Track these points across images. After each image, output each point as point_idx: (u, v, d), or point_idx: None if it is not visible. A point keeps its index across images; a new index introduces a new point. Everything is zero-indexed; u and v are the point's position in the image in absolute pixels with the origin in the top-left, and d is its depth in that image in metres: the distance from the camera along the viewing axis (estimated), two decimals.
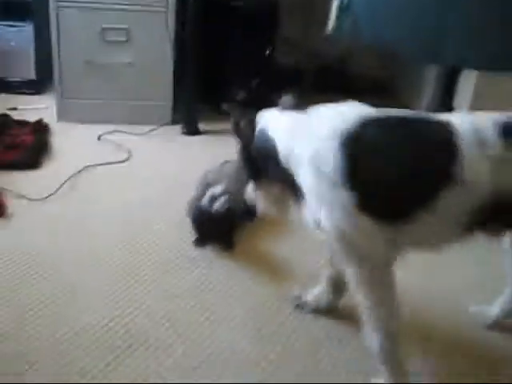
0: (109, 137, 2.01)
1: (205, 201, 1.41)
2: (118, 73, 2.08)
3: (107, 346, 1.10)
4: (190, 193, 1.62)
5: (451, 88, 1.80)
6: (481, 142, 0.93)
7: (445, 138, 0.95)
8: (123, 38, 2.03)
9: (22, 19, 2.22)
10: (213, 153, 1.97)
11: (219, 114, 2.32)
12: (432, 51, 1.53)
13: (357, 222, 0.94)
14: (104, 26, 2.00)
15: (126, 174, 1.80)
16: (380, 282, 0.98)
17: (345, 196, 0.93)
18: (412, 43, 1.56)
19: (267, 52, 2.31)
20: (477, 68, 1.73)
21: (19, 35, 2.23)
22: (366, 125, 0.98)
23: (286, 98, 1.10)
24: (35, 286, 1.25)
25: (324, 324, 1.22)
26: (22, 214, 1.52)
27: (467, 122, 0.97)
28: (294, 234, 1.46)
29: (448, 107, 1.82)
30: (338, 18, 1.62)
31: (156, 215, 1.57)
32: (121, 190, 1.69)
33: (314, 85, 2.77)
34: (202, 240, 1.45)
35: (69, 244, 1.41)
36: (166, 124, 2.14)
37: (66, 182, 1.67)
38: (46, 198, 1.59)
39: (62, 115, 2.09)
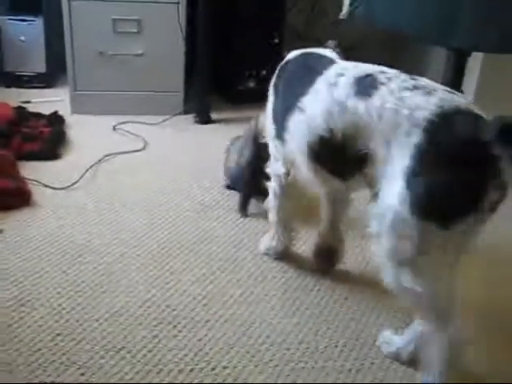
0: (123, 127, 2.04)
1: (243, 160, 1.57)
2: (130, 64, 2.10)
3: (146, 324, 1.14)
4: (208, 179, 1.67)
5: (461, 71, 1.83)
6: None
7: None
8: (135, 30, 2.05)
9: (32, 14, 2.24)
10: (226, 141, 2.01)
11: (230, 103, 2.36)
12: (444, 35, 1.57)
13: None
14: (115, 17, 2.03)
15: (143, 163, 1.82)
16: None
17: None
18: (425, 27, 1.60)
19: (275, 41, 2.34)
20: (488, 51, 1.76)
21: (29, 30, 2.25)
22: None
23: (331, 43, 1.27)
24: (68, 271, 1.28)
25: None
26: (48, 203, 1.54)
27: None
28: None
29: (457, 89, 1.86)
30: (351, 4, 1.66)
31: (177, 200, 1.60)
32: (141, 178, 1.72)
33: None
34: (249, 198, 1.57)
35: (96, 230, 1.44)
36: (179, 114, 2.17)
37: (87, 170, 1.70)
38: (70, 186, 1.62)
39: (76, 107, 2.11)
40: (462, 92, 1.86)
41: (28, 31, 2.25)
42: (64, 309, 1.16)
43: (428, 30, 1.60)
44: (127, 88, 2.13)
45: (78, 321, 1.13)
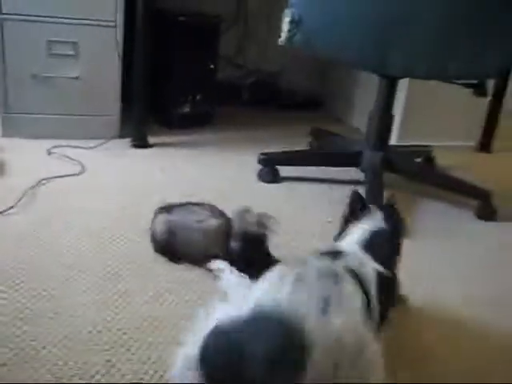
0: (58, 151, 1.99)
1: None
2: (65, 87, 2.06)
3: (98, 349, 1.10)
4: (148, 204, 1.61)
5: (391, 95, 1.95)
6: None
7: None
8: (71, 52, 2.02)
9: None
10: (163, 165, 2.02)
11: (165, 128, 2.36)
12: (380, 63, 1.67)
13: None
14: (50, 39, 1.99)
15: (82, 187, 1.78)
16: None
17: None
18: (360, 55, 1.70)
19: (211, 66, 2.38)
20: (420, 77, 1.88)
21: None
22: None
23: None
24: (10, 298, 1.22)
25: None
26: None
27: None
28: None
29: (389, 112, 1.97)
30: (290, 30, 1.73)
31: (120, 224, 1.57)
32: (80, 202, 1.68)
33: (249, 100, 2.89)
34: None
35: (37, 254, 1.38)
36: (115, 138, 2.15)
37: (24, 195, 1.63)
38: (6, 211, 1.55)
39: (7, 130, 2.03)
40: (392, 116, 1.98)
41: None
42: (8, 337, 1.11)
43: (364, 59, 1.70)
44: (62, 111, 2.09)
45: (23, 349, 1.08)
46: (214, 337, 0.84)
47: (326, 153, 2.17)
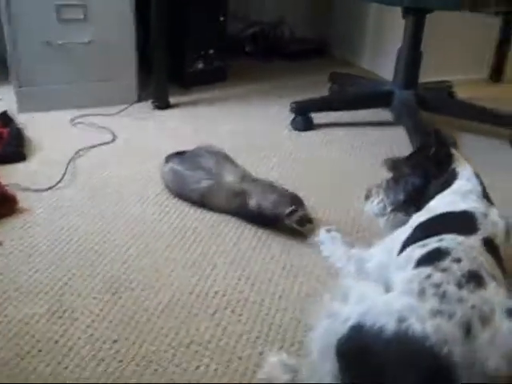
0: (81, 120, 1.89)
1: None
2: (78, 53, 1.94)
3: (203, 314, 1.07)
4: None
5: (420, 32, 1.90)
6: None
7: None
8: (81, 16, 1.90)
9: None
10: (192, 124, 1.95)
11: (180, 87, 2.27)
12: None
13: None
14: (58, 2, 1.86)
15: (121, 153, 1.71)
16: None
17: None
18: None
19: (221, 19, 2.28)
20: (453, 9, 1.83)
21: None
22: None
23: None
24: (94, 273, 1.17)
25: None
26: (38, 205, 1.39)
27: None
28: None
29: (418, 50, 1.93)
30: None
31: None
32: (127, 169, 1.61)
33: (252, 52, 2.80)
34: None
35: (107, 224, 1.33)
36: (134, 101, 2.06)
37: (67, 167, 1.56)
38: (55, 186, 1.48)
39: (23, 105, 1.91)
40: (421, 53, 1.94)
41: None
42: (107, 313, 1.07)
43: None
44: (77, 79, 1.97)
45: (123, 321, 1.04)
46: (353, 339, 0.81)
47: (358, 94, 2.12)
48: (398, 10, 2.28)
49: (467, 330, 0.77)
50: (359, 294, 0.87)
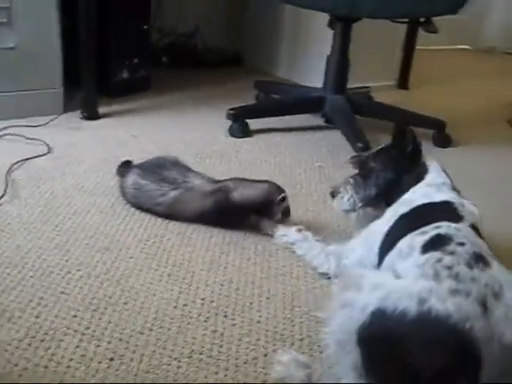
0: (9, 132, 1.75)
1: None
2: (1, 59, 1.80)
3: (196, 323, 1.03)
4: None
5: (348, 39, 1.99)
6: None
7: None
8: (4, 19, 1.76)
9: None
10: (129, 134, 1.89)
11: (105, 97, 2.17)
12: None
13: None
14: None
15: (58, 165, 1.60)
16: None
17: None
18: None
19: (145, 27, 2.22)
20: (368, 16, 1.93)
21: None
22: None
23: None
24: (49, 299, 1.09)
25: None
26: None
27: None
28: None
29: (346, 57, 2.02)
30: None
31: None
32: (69, 180, 1.52)
33: (168, 62, 2.77)
34: None
35: (54, 242, 1.24)
36: (62, 113, 1.94)
37: (7, 182, 1.43)
38: None
39: None
40: (349, 60, 2.02)
41: None
42: (94, 331, 0.99)
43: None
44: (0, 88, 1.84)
45: (114, 338, 0.98)
46: (376, 325, 0.82)
47: (292, 100, 2.16)
48: (315, 19, 2.38)
49: (484, 306, 0.81)
50: (373, 282, 0.88)
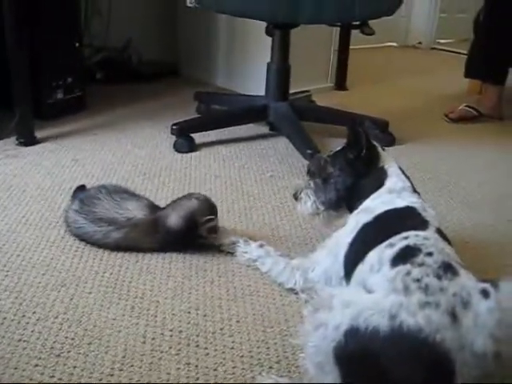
0: None
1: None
2: None
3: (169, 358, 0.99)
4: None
5: (287, 46, 1.98)
6: None
7: None
8: None
9: None
10: (70, 158, 1.81)
11: (39, 119, 2.06)
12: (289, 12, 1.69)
13: None
14: None
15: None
16: None
17: None
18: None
19: (76, 44, 2.14)
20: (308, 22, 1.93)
21: None
22: None
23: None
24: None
25: None
26: None
27: None
28: None
29: (287, 63, 2.01)
30: None
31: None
32: (8, 212, 1.42)
33: (103, 78, 2.68)
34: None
35: (4, 284, 1.15)
36: None
37: None
38: None
39: None
40: (289, 66, 2.02)
41: None
42: (59, 379, 0.93)
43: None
44: None
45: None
46: (351, 343, 0.82)
47: (235, 111, 2.13)
48: (251, 26, 2.36)
49: (453, 316, 0.82)
50: (343, 300, 0.87)
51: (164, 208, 1.34)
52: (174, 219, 1.29)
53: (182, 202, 1.32)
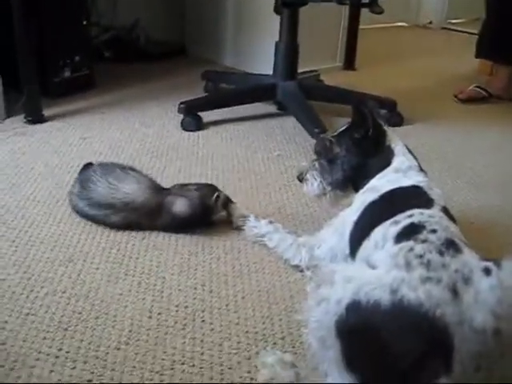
0: None
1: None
2: None
3: (174, 333, 1.00)
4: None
5: (296, 25, 1.96)
6: None
7: None
8: None
9: None
10: (78, 136, 1.82)
11: (47, 98, 2.07)
12: None
13: None
14: None
15: (5, 174, 1.52)
16: None
17: None
18: None
19: (84, 22, 2.13)
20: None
21: None
22: None
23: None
24: None
25: None
26: None
27: None
28: None
29: (295, 42, 2.00)
30: None
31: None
32: (17, 190, 1.44)
33: (111, 57, 2.68)
34: None
35: (13, 258, 1.17)
36: (4, 118, 1.84)
37: None
38: None
39: None
40: (298, 45, 2.00)
41: None
42: (67, 352, 0.94)
43: None
44: None
45: (90, 357, 0.93)
46: (352, 317, 0.82)
47: (243, 89, 2.12)
48: (259, 4, 2.34)
49: (454, 292, 0.82)
50: (345, 275, 0.87)
51: (168, 190, 1.33)
52: (182, 207, 1.29)
53: (187, 193, 1.31)
